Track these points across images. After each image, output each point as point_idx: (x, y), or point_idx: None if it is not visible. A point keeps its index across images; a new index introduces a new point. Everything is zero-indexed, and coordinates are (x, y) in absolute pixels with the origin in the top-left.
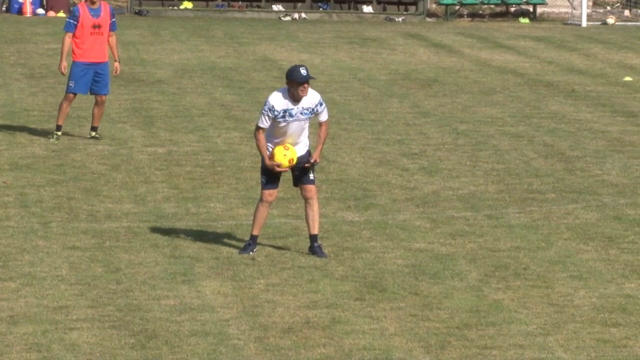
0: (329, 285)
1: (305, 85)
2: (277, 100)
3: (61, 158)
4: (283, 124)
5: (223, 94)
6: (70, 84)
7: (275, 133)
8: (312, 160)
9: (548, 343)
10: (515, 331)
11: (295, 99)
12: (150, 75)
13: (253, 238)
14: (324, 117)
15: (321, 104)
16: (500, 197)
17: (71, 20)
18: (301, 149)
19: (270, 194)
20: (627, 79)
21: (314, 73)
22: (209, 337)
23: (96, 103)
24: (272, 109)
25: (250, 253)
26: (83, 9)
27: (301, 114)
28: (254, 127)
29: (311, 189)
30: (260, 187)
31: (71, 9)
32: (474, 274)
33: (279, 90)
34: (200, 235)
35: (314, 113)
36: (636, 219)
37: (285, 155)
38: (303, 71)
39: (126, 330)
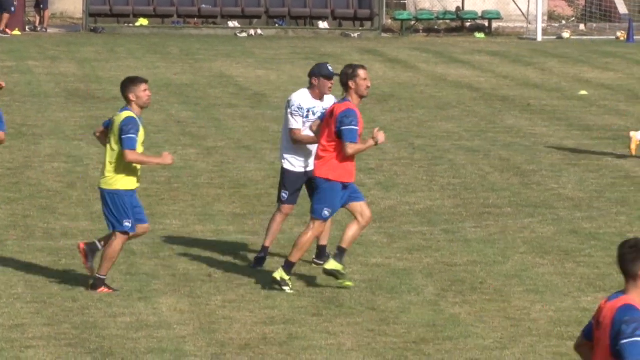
0: (286, 301)
1: (333, 81)
2: (303, 99)
3: (16, 176)
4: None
5: (179, 111)
6: None
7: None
8: None
9: (505, 357)
10: (472, 345)
11: (320, 97)
12: (106, 92)
13: (264, 249)
14: None
15: None
16: (456, 212)
17: None
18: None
19: (291, 208)
20: (583, 93)
21: (270, 89)
22: (165, 354)
23: None
24: (300, 108)
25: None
26: None
27: (322, 114)
28: (210, 144)
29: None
30: (278, 200)
31: None
32: (430, 289)
33: (300, 90)
34: (157, 252)
35: None
36: (592, 233)
37: None
38: (330, 67)
39: (82, 348)
